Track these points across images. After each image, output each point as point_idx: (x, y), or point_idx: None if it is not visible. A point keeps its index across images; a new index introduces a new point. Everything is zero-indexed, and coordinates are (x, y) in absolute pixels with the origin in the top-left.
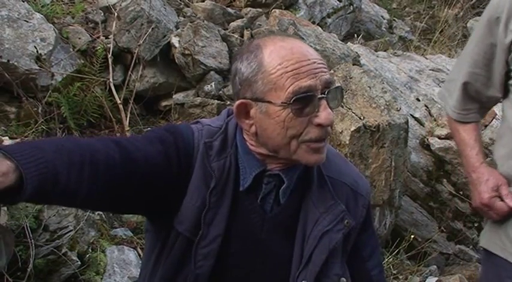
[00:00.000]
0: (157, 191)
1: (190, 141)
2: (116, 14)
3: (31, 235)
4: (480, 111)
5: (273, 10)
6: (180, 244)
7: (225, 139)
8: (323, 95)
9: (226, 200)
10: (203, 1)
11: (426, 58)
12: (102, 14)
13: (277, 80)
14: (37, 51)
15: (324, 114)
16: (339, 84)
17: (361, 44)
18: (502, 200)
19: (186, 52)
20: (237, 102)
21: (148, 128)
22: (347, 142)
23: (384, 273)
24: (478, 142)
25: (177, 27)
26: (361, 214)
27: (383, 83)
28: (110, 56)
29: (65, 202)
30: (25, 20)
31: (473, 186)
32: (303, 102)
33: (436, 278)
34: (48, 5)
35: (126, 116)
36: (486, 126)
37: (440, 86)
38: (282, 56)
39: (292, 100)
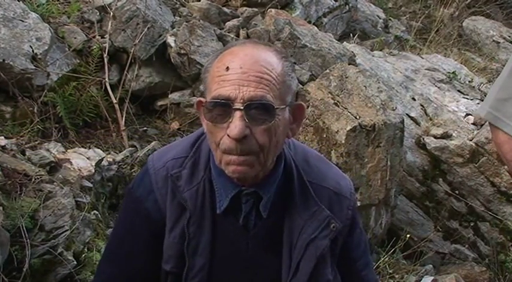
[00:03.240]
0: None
1: (150, 198)
2: (111, 13)
3: (27, 235)
4: None
5: (269, 9)
6: (170, 281)
7: (195, 163)
8: (239, 107)
9: (207, 227)
10: (199, 0)
11: (422, 57)
12: (98, 13)
13: (209, 81)
14: (33, 51)
15: (233, 125)
16: (269, 102)
17: (357, 43)
18: None
19: (182, 51)
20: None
21: (145, 128)
22: (343, 141)
23: (373, 271)
24: None
25: (172, 27)
26: (346, 216)
27: (379, 83)
28: (105, 55)
29: None
30: (21, 20)
31: None
32: (219, 109)
33: (432, 277)
34: (43, 4)
35: (122, 116)
36: (482, 125)
37: (436, 86)
38: (223, 60)
39: (210, 105)
